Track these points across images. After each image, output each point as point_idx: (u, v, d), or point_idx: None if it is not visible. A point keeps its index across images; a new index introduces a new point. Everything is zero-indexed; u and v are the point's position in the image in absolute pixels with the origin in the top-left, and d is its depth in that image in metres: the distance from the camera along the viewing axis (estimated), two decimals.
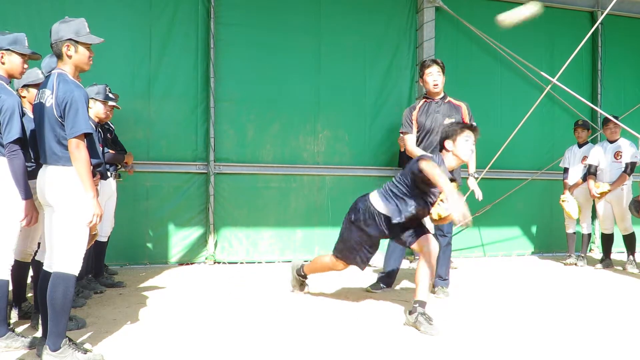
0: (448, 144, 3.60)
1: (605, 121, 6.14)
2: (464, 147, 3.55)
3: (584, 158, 6.28)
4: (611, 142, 6.09)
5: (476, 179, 4.59)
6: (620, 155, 5.96)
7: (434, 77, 4.42)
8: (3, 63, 3.02)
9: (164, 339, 3.20)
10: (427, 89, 4.49)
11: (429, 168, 3.24)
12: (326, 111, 6.53)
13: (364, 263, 3.81)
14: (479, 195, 4.55)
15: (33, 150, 3.12)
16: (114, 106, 4.69)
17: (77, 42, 2.75)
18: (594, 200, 6.31)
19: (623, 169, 5.92)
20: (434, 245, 3.59)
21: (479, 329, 3.48)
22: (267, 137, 6.36)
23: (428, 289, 3.56)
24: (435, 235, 4.55)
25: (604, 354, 3.00)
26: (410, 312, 3.53)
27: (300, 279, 4.43)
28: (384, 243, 4.40)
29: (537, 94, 6.74)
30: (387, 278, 4.61)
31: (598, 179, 6.09)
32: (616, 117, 6.21)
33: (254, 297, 4.42)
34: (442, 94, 4.51)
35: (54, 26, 2.76)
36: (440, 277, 4.51)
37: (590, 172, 6.12)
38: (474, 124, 4.56)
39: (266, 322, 3.61)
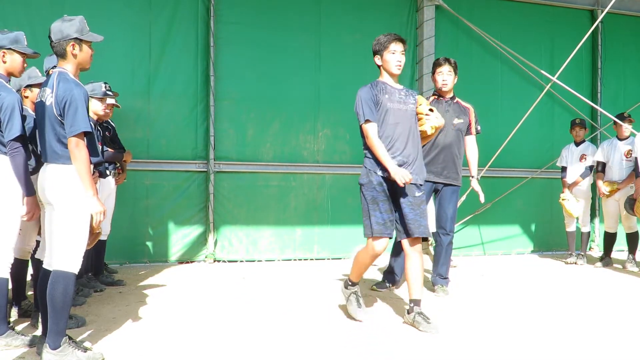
0: (377, 59, 3.64)
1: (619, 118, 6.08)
2: (391, 61, 3.54)
3: (582, 156, 6.25)
4: (621, 139, 6.01)
5: (478, 180, 4.61)
6: (631, 154, 5.88)
7: (444, 76, 4.46)
8: (4, 62, 3.03)
9: (163, 337, 3.20)
10: (437, 87, 4.54)
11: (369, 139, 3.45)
12: (326, 110, 6.52)
13: (378, 224, 3.42)
14: (481, 197, 4.56)
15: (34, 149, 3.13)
16: (113, 105, 4.70)
17: (81, 40, 2.77)
18: (593, 199, 6.29)
19: (633, 168, 5.84)
20: (419, 247, 3.54)
21: (479, 328, 3.49)
22: (267, 136, 6.36)
23: (421, 286, 3.55)
24: (437, 233, 4.57)
25: (604, 354, 3.01)
26: (408, 312, 3.54)
27: (351, 292, 3.75)
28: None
29: (537, 92, 6.75)
30: (394, 277, 4.61)
31: (606, 177, 6.05)
32: (629, 116, 6.14)
33: (254, 295, 4.42)
34: (451, 94, 4.54)
35: (54, 25, 2.75)
36: (440, 276, 4.52)
37: (599, 170, 6.09)
38: (479, 127, 4.61)
39: (266, 320, 3.61)
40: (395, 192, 3.47)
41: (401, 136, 3.45)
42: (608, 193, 5.96)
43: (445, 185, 4.46)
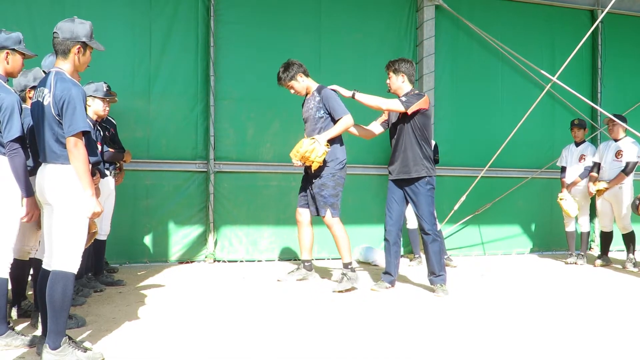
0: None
1: (607, 120, 6.14)
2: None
3: (582, 157, 6.28)
4: (616, 140, 6.07)
5: (352, 95, 4.77)
6: (621, 155, 5.94)
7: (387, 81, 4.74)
8: (7, 62, 3.02)
9: (163, 337, 3.20)
10: None
11: None
12: None
13: (299, 201, 4.88)
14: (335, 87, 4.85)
15: (32, 149, 3.12)
16: (110, 100, 4.66)
17: (86, 45, 2.79)
18: (592, 198, 6.32)
19: (622, 168, 5.91)
20: (328, 222, 4.62)
21: (479, 329, 3.49)
22: (267, 136, 6.36)
23: (347, 251, 4.60)
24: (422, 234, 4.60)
25: (604, 354, 3.00)
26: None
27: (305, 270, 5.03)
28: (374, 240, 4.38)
29: (537, 92, 6.74)
30: (390, 277, 4.61)
31: (600, 177, 6.10)
32: (621, 115, 6.19)
33: (254, 295, 4.42)
34: (401, 92, 4.61)
35: (66, 24, 2.74)
36: (433, 274, 4.46)
37: (592, 170, 6.15)
38: (403, 99, 4.51)
39: (267, 320, 3.61)
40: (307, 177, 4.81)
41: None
42: (595, 192, 6.02)
43: (407, 184, 4.48)
